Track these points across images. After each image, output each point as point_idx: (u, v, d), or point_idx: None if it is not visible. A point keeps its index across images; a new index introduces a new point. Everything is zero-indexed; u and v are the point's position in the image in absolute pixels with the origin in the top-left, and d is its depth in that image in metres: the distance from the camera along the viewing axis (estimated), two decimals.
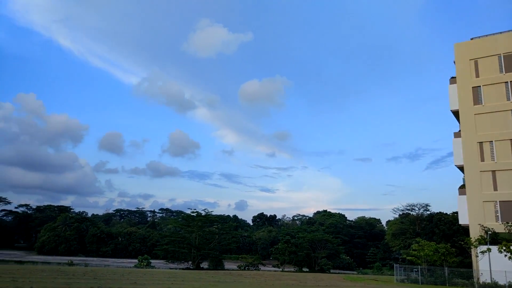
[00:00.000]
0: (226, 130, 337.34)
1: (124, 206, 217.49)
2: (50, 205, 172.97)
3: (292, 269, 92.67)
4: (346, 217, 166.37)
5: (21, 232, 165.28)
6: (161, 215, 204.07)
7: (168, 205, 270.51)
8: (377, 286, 41.95)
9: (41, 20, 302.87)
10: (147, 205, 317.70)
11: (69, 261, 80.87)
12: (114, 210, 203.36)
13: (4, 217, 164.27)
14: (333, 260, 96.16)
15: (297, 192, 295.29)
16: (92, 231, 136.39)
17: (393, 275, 58.14)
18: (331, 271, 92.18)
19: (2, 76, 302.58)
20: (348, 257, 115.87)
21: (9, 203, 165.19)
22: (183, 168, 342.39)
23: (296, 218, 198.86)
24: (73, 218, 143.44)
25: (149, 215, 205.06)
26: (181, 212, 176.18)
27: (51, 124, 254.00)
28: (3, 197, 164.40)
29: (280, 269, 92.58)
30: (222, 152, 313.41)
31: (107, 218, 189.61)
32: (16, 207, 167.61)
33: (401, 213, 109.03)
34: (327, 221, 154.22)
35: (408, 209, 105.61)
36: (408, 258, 50.36)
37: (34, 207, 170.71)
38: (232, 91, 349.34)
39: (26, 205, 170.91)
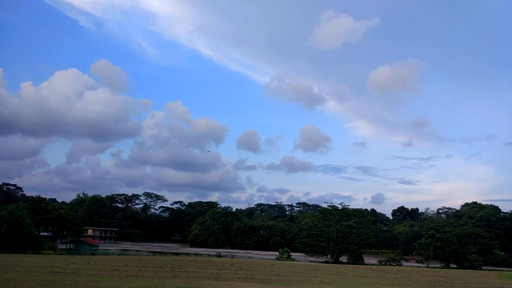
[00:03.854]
0: (359, 121, 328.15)
1: (263, 201, 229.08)
2: (200, 201, 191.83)
3: (438, 265, 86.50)
4: (500, 209, 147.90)
5: (176, 226, 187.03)
6: (298, 209, 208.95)
7: (303, 199, 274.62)
8: None
9: (183, 32, 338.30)
10: (283, 199, 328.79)
11: (218, 253, 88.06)
12: (255, 205, 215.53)
13: (162, 213, 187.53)
14: (485, 256, 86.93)
15: (442, 183, 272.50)
16: (236, 225, 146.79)
17: None
18: (483, 268, 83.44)
19: (156, 88, 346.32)
20: (503, 253, 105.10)
21: (166, 200, 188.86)
22: (316, 163, 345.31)
23: (441, 211, 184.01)
24: (219, 213, 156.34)
25: (287, 209, 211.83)
26: (317, 206, 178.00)
27: (195, 127, 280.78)
28: (161, 195, 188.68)
29: (424, 265, 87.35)
30: (354, 144, 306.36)
31: (249, 212, 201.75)
32: (171, 204, 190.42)
33: None
34: (477, 214, 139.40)
35: None
36: None
37: (186, 203, 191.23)
38: (361, 80, 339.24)
39: (180, 202, 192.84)
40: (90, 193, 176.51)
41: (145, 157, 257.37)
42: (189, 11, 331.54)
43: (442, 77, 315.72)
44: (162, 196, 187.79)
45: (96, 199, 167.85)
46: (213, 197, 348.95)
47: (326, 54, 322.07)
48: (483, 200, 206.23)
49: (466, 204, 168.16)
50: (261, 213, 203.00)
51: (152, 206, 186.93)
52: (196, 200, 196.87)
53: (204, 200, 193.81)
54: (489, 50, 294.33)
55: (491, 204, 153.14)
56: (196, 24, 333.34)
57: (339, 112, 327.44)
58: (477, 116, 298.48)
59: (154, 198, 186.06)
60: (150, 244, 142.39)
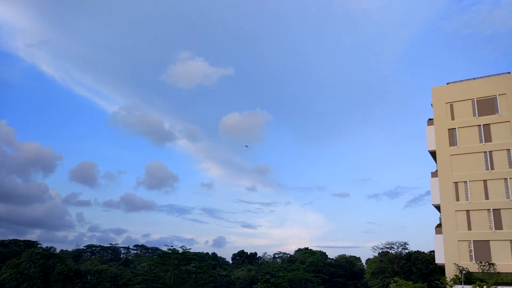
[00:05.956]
0: (209, 162, 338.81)
1: (94, 242, 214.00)
2: (16, 239, 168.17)
3: None
4: (327, 255, 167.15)
5: None
6: (135, 251, 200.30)
7: (142, 241, 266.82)
8: None
9: (22, 45, 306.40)
10: (119, 241, 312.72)
11: None
12: (85, 246, 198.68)
13: None
14: None
15: (280, 228, 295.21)
16: (58, 269, 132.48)
17: None
18: None
19: None
20: None
21: None
22: (160, 202, 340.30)
23: (277, 256, 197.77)
24: (39, 254, 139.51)
25: (122, 251, 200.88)
26: (157, 249, 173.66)
27: (21, 152, 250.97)
28: None
29: None
30: (201, 185, 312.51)
31: (77, 254, 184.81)
32: None
33: (380, 251, 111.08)
34: (308, 259, 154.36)
35: (388, 248, 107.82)
36: None
37: None
38: (213, 123, 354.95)
39: None
40: None
41: None
42: (32, 23, 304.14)
43: (285, 130, 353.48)
44: None
45: None
46: (33, 235, 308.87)
47: (180, 92, 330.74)
48: (313, 246, 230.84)
49: (299, 250, 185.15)
50: (91, 256, 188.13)
51: None
52: (11, 237, 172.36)
53: (22, 239, 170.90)
54: (328, 112, 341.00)
55: (320, 250, 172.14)
56: (37, 38, 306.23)
57: (190, 152, 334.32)
58: (312, 168, 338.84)
59: None
60: None
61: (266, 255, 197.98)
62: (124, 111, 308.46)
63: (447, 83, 56.05)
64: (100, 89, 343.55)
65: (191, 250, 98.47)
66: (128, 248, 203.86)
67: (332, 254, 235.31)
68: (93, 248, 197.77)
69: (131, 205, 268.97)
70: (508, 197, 47.25)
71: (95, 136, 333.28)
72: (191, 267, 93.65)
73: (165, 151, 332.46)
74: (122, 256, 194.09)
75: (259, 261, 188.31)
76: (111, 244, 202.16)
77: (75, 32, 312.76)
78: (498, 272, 44.51)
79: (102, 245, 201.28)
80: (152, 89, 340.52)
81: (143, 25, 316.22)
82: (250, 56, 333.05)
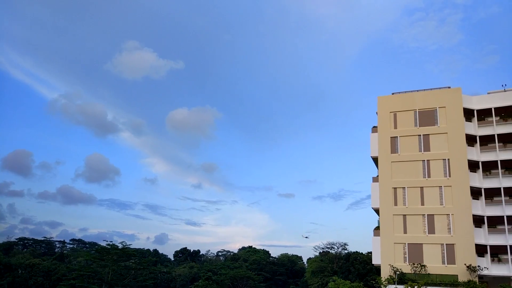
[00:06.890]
0: (154, 158, 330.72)
1: (27, 234, 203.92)
2: None
3: None
4: (270, 254, 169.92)
5: None
6: (71, 246, 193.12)
7: (79, 235, 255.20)
8: None
9: None
10: (54, 235, 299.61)
11: None
12: (16, 239, 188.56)
13: None
14: None
15: (225, 226, 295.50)
16: None
17: None
18: None
19: None
20: None
21: None
22: (100, 196, 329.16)
23: (220, 254, 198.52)
24: None
25: (57, 245, 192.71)
26: (95, 244, 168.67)
27: None
28: None
29: None
30: (144, 180, 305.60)
31: (8, 247, 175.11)
32: None
33: (321, 251, 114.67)
34: (251, 257, 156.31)
35: (328, 248, 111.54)
36: None
37: None
38: (160, 117, 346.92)
39: None
40: None
41: None
42: None
43: (235, 129, 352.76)
44: None
45: None
46: None
47: (125, 83, 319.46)
48: (257, 244, 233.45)
49: (243, 248, 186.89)
50: (23, 249, 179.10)
51: None
52: None
53: None
54: (278, 114, 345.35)
55: (263, 249, 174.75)
56: None
57: (134, 145, 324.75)
58: (260, 168, 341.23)
59: None
60: None
61: (209, 253, 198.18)
62: (65, 99, 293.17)
63: (392, 93, 59.21)
64: (39, 74, 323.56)
65: (132, 246, 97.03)
66: (63, 242, 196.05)
67: (275, 253, 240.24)
68: (25, 241, 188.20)
69: (68, 197, 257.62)
70: (441, 203, 50.87)
71: (31, 123, 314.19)
72: (130, 263, 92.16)
73: (107, 144, 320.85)
74: (57, 250, 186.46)
75: (202, 258, 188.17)
76: (45, 237, 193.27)
77: (15, 12, 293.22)
78: (428, 274, 47.92)
79: (36, 238, 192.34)
80: (95, 77, 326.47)
81: (89, 9, 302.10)
82: (202, 51, 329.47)
